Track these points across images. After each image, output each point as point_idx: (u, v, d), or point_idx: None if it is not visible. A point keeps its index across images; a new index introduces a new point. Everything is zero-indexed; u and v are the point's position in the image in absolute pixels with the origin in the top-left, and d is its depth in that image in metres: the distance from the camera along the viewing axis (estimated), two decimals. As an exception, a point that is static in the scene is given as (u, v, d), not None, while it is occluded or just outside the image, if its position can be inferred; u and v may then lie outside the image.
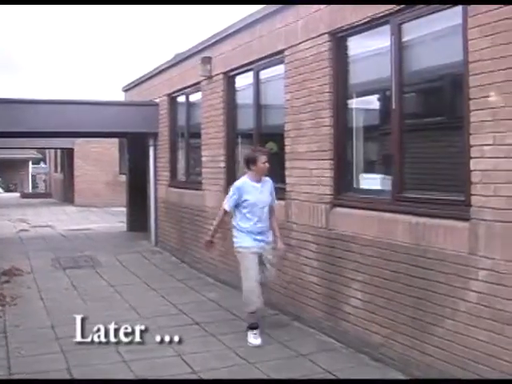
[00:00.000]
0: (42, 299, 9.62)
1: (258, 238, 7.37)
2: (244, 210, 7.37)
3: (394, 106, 6.44)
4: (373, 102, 7.49)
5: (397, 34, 6.34)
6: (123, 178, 19.99)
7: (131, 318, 8.25)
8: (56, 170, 38.81)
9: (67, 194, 32.50)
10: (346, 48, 7.32)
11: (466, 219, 5.32)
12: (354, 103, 7.45)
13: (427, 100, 6.65)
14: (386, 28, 6.46)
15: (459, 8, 5.44)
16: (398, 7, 6.14)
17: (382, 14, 6.41)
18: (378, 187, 6.94)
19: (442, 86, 6.34)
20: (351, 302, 6.97)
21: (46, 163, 47.97)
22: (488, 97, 5.08)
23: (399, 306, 6.17)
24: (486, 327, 5.12)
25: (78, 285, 10.64)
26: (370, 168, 7.51)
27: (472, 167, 5.26)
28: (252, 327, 7.31)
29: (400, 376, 6.07)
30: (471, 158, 5.27)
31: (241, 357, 6.77)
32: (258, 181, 7.43)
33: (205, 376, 6.22)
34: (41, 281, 11.02)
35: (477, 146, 5.21)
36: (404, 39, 6.34)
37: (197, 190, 11.94)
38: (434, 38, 6.23)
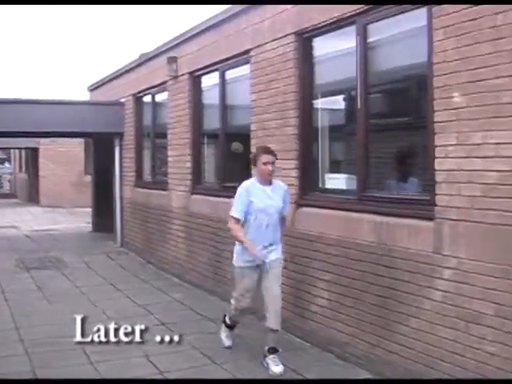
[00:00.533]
0: (6, 300, 9.47)
1: (266, 249, 6.36)
2: (249, 216, 6.33)
3: (359, 106, 6.44)
4: (338, 102, 7.49)
5: (362, 34, 6.34)
6: (89, 178, 19.83)
7: (97, 319, 8.18)
8: (21, 170, 38.30)
9: (32, 195, 32.13)
10: (312, 48, 7.31)
11: (431, 218, 5.34)
12: (320, 103, 7.45)
13: (392, 100, 6.68)
14: (352, 29, 6.47)
15: (424, 9, 5.47)
16: (364, 8, 6.15)
17: (348, 15, 6.42)
18: (344, 187, 6.94)
19: (406, 87, 6.38)
20: (317, 302, 6.97)
21: (10, 163, 47.36)
22: (452, 97, 5.10)
23: (365, 304, 6.18)
24: (450, 325, 5.14)
25: (43, 286, 10.49)
26: (335, 168, 7.51)
27: (436, 167, 5.28)
28: (228, 325, 7.02)
29: (366, 374, 6.07)
30: (435, 157, 5.29)
31: (207, 357, 6.72)
32: (267, 184, 6.43)
33: (172, 376, 6.16)
34: (4, 282, 10.83)
35: (441, 146, 5.23)
36: (369, 40, 6.35)
37: (163, 190, 11.86)
38: (399, 38, 6.26)
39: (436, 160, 5.29)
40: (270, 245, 6.41)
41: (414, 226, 5.62)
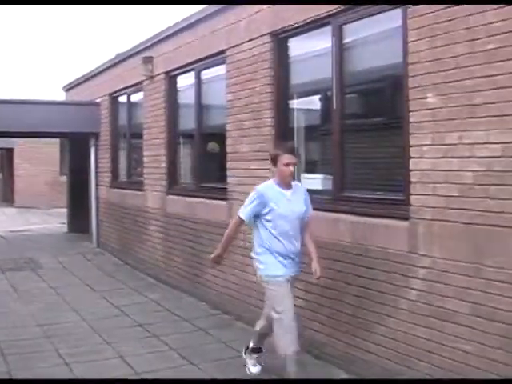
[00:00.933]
0: (-20, 302, 9.38)
1: (288, 261, 5.61)
2: (268, 224, 5.58)
3: (334, 107, 6.45)
4: (314, 102, 7.49)
5: (338, 35, 6.34)
6: (64, 178, 19.67)
7: (72, 320, 8.14)
8: (-5, 171, 37.96)
9: (7, 195, 31.77)
10: (287, 49, 7.30)
11: (406, 218, 5.35)
12: (296, 104, 7.44)
13: (368, 100, 6.68)
14: (328, 29, 6.46)
15: (399, 10, 5.48)
16: (340, 9, 6.14)
17: (323, 16, 6.41)
18: (320, 187, 6.93)
19: (382, 87, 6.38)
20: (295, 302, 6.93)
21: (-16, 163, 46.81)
22: (427, 98, 5.12)
23: (342, 304, 6.18)
24: (426, 324, 5.15)
25: (18, 287, 10.39)
26: (311, 168, 7.49)
27: (411, 167, 5.29)
28: (255, 349, 6.25)
29: (343, 374, 6.07)
30: (411, 157, 5.30)
31: (184, 357, 6.69)
32: (287, 187, 5.67)
33: (149, 377, 6.12)
34: (-21, 284, 10.73)
35: (416, 146, 5.24)
36: (345, 40, 6.35)
37: (138, 190, 11.79)
38: (374, 39, 6.26)
39: (411, 160, 5.29)
40: (295, 256, 5.66)
41: (389, 225, 5.63)
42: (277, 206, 5.54)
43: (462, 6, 4.74)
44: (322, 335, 6.48)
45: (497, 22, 4.49)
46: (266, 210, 5.56)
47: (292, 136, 7.38)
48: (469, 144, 4.74)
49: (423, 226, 5.19)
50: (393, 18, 5.62)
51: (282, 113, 7.32)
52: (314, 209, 6.58)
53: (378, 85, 6.39)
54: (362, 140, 6.55)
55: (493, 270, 4.56)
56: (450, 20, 4.87)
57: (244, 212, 5.67)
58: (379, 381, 4.47)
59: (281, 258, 5.57)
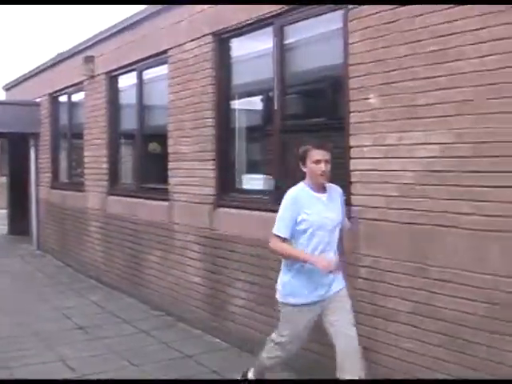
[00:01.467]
0: None
1: (323, 281, 4.65)
2: (301, 237, 4.64)
3: (275, 107, 6.37)
4: (256, 102, 7.39)
5: (279, 36, 6.25)
6: (4, 179, 19.21)
7: (12, 324, 7.88)
8: None
9: None
10: (229, 49, 7.18)
11: (348, 218, 5.29)
12: (237, 104, 7.33)
13: (309, 101, 6.62)
14: (269, 30, 6.37)
15: (341, 12, 5.41)
16: (282, 10, 6.06)
17: (265, 16, 6.31)
18: (261, 187, 6.84)
19: (323, 88, 6.32)
20: (235, 302, 6.86)
21: None
22: (367, 99, 5.07)
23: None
24: (368, 323, 5.10)
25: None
26: (252, 168, 7.40)
27: (352, 167, 5.24)
28: (256, 382, 5.24)
29: (285, 372, 5.97)
30: (351, 158, 5.25)
31: (126, 359, 6.51)
32: (321, 190, 4.75)
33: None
34: None
35: (356, 147, 5.20)
36: (286, 41, 6.27)
37: (79, 191, 11.50)
38: (316, 40, 6.19)
39: (351, 161, 5.25)
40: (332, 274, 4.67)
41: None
42: (312, 213, 4.61)
43: (406, 7, 4.69)
44: (262, 335, 6.34)
45: (440, 24, 4.46)
46: (299, 219, 4.61)
47: (233, 136, 7.29)
48: (409, 145, 4.70)
49: (365, 226, 5.13)
50: (335, 19, 5.54)
51: (224, 113, 7.20)
52: (256, 209, 6.53)
53: (319, 86, 6.33)
54: (303, 140, 6.48)
55: (435, 270, 4.52)
56: (393, 21, 4.82)
57: (282, 227, 4.65)
58: (379, 381, 4.41)
59: (314, 279, 4.63)
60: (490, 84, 4.15)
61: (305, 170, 4.74)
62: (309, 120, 6.37)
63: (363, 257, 5.16)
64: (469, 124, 4.28)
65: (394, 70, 4.81)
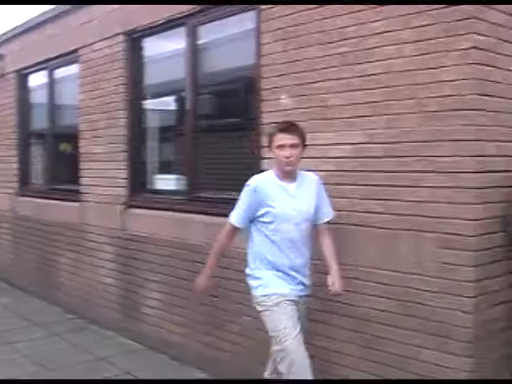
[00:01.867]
0: None
1: (291, 277, 4.17)
2: (265, 229, 4.14)
3: (188, 107, 6.24)
4: (168, 103, 7.20)
5: (192, 36, 6.11)
6: None
7: None
8: None
9: None
10: (141, 49, 6.97)
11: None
12: (150, 104, 7.13)
13: (222, 101, 6.50)
14: (182, 30, 6.22)
15: (253, 13, 5.33)
16: (194, 10, 5.92)
17: (177, 16, 6.16)
18: (173, 187, 6.68)
19: (236, 88, 6.21)
20: (148, 303, 6.69)
21: None
22: (280, 99, 5.00)
23: (195, 304, 5.96)
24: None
25: None
26: (165, 169, 7.22)
27: (265, 167, 5.15)
28: None
29: (198, 373, 5.86)
30: (263, 158, 5.17)
31: (38, 363, 6.24)
32: (290, 179, 4.18)
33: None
34: None
35: (269, 147, 5.13)
36: (199, 41, 6.13)
37: (-13, 192, 11.08)
38: (228, 41, 6.07)
39: (264, 161, 5.14)
40: (300, 270, 4.22)
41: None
42: (276, 204, 4.09)
43: (318, 9, 4.63)
44: (176, 336, 6.25)
45: (350, 26, 4.42)
46: (263, 211, 4.11)
47: (145, 137, 7.12)
48: (321, 145, 4.64)
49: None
50: (247, 20, 5.46)
51: (136, 113, 7.01)
52: (168, 209, 6.39)
53: (232, 86, 6.23)
54: (215, 141, 6.38)
55: (348, 268, 4.48)
56: (304, 23, 4.76)
57: (236, 215, 4.22)
58: (379, 381, 4.34)
59: (281, 274, 4.13)
60: (398, 86, 4.14)
61: (273, 156, 4.18)
62: (222, 120, 6.26)
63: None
64: (380, 125, 4.26)
65: (306, 71, 4.75)
